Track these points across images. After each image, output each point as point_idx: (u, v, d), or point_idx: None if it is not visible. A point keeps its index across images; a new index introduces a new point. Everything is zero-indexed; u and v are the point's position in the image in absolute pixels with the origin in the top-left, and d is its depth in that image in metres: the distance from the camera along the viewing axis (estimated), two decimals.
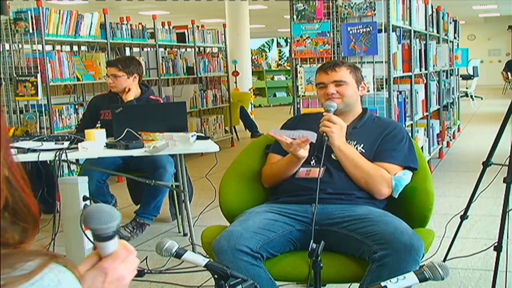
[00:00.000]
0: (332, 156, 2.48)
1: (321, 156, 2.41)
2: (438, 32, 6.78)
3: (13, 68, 5.31)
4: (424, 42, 5.96)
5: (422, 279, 1.65)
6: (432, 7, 6.40)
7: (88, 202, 3.20)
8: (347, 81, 2.56)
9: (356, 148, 2.50)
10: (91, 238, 3.20)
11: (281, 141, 2.42)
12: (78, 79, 5.83)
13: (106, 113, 4.21)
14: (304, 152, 2.43)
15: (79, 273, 0.75)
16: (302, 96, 4.58)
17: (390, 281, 1.65)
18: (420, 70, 5.68)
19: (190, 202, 3.97)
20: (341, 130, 2.45)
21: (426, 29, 6.00)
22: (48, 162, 3.89)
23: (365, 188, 2.43)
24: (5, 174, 0.72)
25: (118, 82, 4.18)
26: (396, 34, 4.73)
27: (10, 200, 0.73)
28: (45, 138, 3.61)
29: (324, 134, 2.43)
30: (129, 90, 4.17)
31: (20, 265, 0.68)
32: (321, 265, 2.00)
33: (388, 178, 2.42)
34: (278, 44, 23.27)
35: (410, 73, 5.16)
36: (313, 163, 2.52)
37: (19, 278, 0.67)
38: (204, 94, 8.27)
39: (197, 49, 8.33)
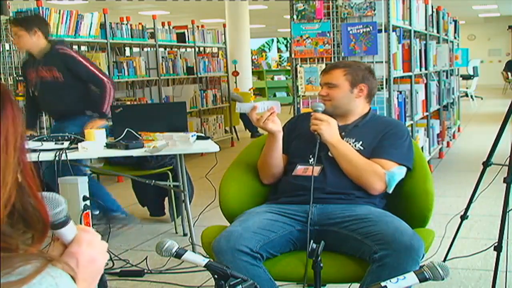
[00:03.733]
0: (329, 154, 2.49)
1: (318, 154, 2.44)
2: (438, 32, 6.78)
3: (13, 68, 5.32)
4: (424, 42, 5.96)
5: (422, 279, 1.65)
6: (432, 7, 6.40)
7: (88, 202, 3.21)
8: (338, 84, 2.56)
9: (354, 146, 2.50)
10: None
11: (250, 116, 2.49)
12: None
13: (30, 71, 4.19)
14: (274, 126, 2.47)
15: (75, 274, 0.75)
16: (302, 96, 4.58)
17: (390, 281, 1.65)
18: (420, 70, 5.68)
19: (190, 202, 3.98)
20: (329, 127, 2.46)
21: (426, 29, 6.00)
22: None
23: (359, 183, 2.43)
24: (18, 180, 0.71)
25: (21, 41, 4.08)
26: (396, 34, 4.73)
27: (20, 207, 0.72)
28: (45, 138, 3.61)
29: (316, 132, 2.45)
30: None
31: (16, 269, 0.68)
32: (321, 265, 1.99)
33: (382, 173, 2.42)
34: (279, 50, 23.28)
35: (410, 73, 5.16)
36: (311, 162, 2.52)
37: (16, 283, 0.67)
38: (204, 94, 8.27)
39: (197, 49, 8.33)
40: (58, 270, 0.72)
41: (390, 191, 2.45)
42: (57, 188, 3.29)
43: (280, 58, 20.29)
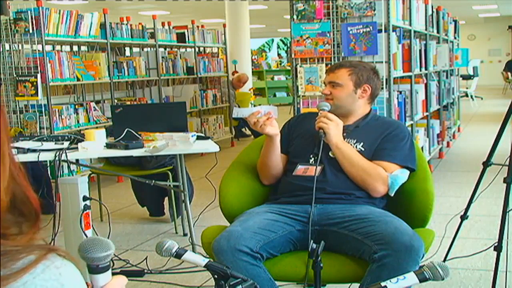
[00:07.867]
0: (330, 154, 2.49)
1: (319, 154, 2.43)
2: (438, 32, 6.78)
3: (13, 68, 5.32)
4: (424, 42, 5.95)
5: (422, 279, 1.65)
6: (432, 7, 6.40)
7: (88, 202, 3.20)
8: (342, 84, 2.56)
9: (356, 147, 2.50)
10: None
11: (248, 120, 2.50)
12: (78, 79, 5.83)
13: None
14: (272, 129, 2.48)
15: (78, 264, 0.75)
16: (302, 96, 4.58)
17: (390, 281, 1.65)
18: (420, 70, 5.68)
19: (190, 202, 3.97)
20: (337, 127, 2.46)
21: (426, 29, 6.00)
22: (48, 162, 3.89)
23: (361, 185, 2.44)
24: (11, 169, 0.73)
25: None
26: (396, 34, 4.73)
27: (14, 196, 0.73)
28: (45, 138, 3.61)
29: (321, 130, 2.45)
30: None
31: (20, 260, 0.68)
32: (321, 265, 1.99)
33: (385, 176, 2.42)
34: (279, 56, 23.27)
35: (410, 73, 5.16)
36: (312, 162, 2.52)
37: (17, 273, 0.67)
38: (204, 94, 8.27)
39: (197, 49, 8.33)
40: (62, 259, 0.72)
41: (392, 194, 2.45)
42: (57, 188, 3.29)
43: (280, 63, 20.39)
